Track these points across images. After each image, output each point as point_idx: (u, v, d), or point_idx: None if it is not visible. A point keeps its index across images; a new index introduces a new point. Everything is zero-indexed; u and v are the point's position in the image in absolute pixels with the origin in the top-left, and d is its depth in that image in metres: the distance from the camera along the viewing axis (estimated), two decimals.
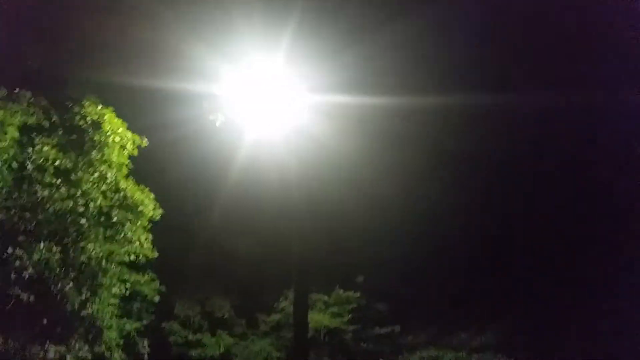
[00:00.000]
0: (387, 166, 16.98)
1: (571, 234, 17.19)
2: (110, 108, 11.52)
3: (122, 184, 12.10)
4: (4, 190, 9.41)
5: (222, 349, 16.31)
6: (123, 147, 11.70)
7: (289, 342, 16.05)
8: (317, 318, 17.21)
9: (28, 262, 9.52)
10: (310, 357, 16.57)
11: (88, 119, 11.11)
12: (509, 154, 17.18)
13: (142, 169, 12.45)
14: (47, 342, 10.26)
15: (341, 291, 18.10)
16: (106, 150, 11.47)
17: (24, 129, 10.09)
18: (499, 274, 17.64)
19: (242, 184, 14.89)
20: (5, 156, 9.57)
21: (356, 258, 17.70)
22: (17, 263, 9.29)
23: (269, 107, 11.21)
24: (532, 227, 17.67)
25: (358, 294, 18.01)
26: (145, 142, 12.01)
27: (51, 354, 9.93)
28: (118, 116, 11.69)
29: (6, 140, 9.61)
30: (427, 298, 17.98)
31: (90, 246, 10.73)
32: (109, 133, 11.41)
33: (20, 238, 9.38)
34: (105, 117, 11.32)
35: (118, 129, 11.56)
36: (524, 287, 17.63)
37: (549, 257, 17.50)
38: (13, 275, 9.47)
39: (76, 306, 11.02)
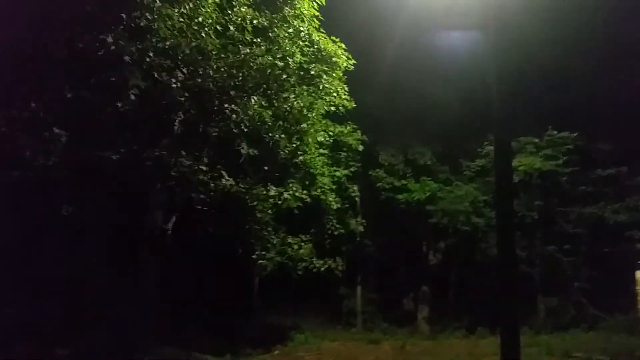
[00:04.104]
0: None
1: None
2: None
3: (315, 36, 12.38)
4: (214, 52, 10.31)
5: (427, 194, 16.70)
6: None
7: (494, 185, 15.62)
8: (528, 161, 16.22)
9: (243, 117, 10.61)
10: (520, 200, 16.02)
11: None
12: None
13: (330, 19, 12.45)
14: (269, 184, 11.76)
15: (555, 132, 16.55)
16: (297, 4, 11.67)
17: None
18: None
19: (437, 27, 13.89)
20: (210, 21, 10.35)
21: (570, 97, 15.67)
22: (234, 117, 10.41)
23: None
24: None
25: (575, 135, 16.26)
26: None
27: (272, 192, 11.33)
28: None
29: (209, 6, 10.33)
30: None
31: (291, 97, 11.48)
32: None
33: (232, 93, 10.38)
34: None
35: None
36: None
37: None
38: (235, 130, 10.70)
39: (288, 154, 12.25)
